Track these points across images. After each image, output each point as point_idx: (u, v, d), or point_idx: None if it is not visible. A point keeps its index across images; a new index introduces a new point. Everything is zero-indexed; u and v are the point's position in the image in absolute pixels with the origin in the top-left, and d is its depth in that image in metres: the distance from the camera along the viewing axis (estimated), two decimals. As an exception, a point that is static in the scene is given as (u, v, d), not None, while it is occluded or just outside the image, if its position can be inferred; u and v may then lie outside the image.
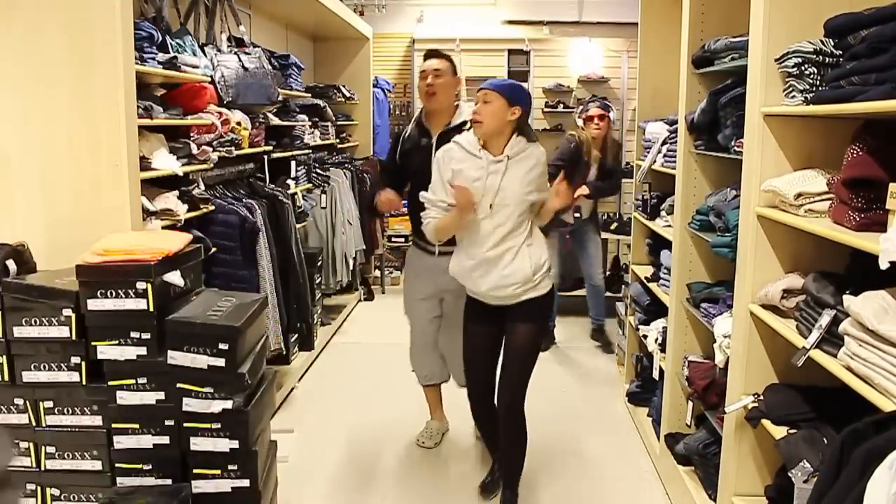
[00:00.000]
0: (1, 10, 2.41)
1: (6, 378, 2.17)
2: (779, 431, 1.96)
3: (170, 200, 2.83)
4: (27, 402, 2.19)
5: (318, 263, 4.84)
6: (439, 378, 3.45)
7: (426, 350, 3.38)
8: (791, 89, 1.95)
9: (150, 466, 2.19)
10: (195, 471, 2.20)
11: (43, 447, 2.21)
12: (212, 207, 3.23)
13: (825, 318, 1.75)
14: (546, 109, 6.88)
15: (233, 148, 3.36)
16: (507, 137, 2.62)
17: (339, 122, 5.97)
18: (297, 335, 4.15)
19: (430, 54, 3.21)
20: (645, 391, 3.72)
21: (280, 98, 3.95)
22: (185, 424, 2.17)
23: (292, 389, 4.14)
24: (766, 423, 2.03)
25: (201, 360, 2.13)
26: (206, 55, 3.37)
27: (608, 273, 6.00)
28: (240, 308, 2.28)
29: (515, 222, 2.60)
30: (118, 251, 2.16)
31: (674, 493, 2.95)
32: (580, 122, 4.79)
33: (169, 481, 2.20)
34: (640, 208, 3.76)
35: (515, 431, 2.76)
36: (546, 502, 3.01)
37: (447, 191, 2.63)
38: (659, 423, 3.23)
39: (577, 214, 4.71)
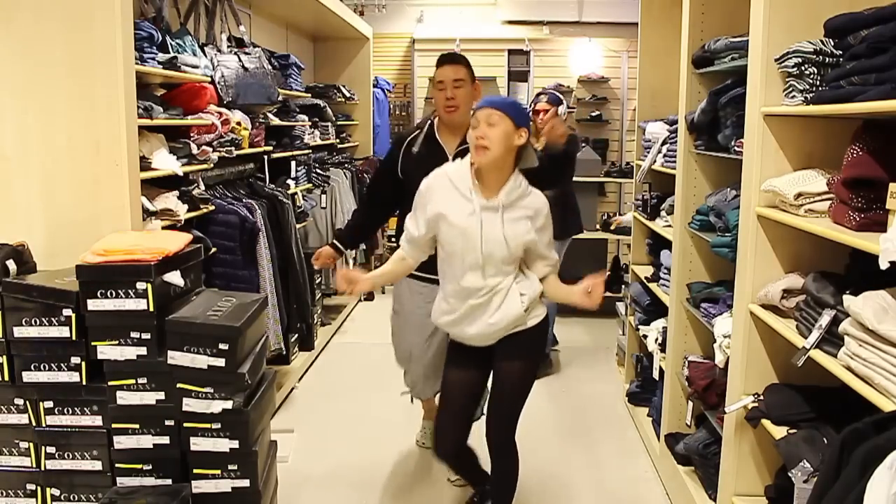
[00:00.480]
0: (1, 9, 2.41)
1: (6, 378, 2.17)
2: (779, 431, 1.96)
3: (170, 200, 2.83)
4: (27, 402, 2.19)
5: (318, 263, 4.84)
6: None
7: (428, 372, 3.07)
8: (791, 89, 1.95)
9: (150, 466, 2.19)
10: (195, 471, 2.20)
11: (43, 447, 2.21)
12: (212, 207, 3.23)
13: (825, 318, 1.75)
14: (546, 109, 6.88)
15: (233, 148, 3.36)
16: (507, 172, 2.26)
17: (339, 122, 5.97)
18: (297, 335, 4.15)
19: (445, 60, 2.86)
20: (645, 391, 3.72)
21: (280, 98, 3.95)
22: (185, 424, 2.17)
23: (292, 389, 4.14)
24: (766, 423, 2.03)
25: (201, 360, 2.13)
26: (206, 55, 3.37)
27: (608, 273, 6.00)
28: (240, 308, 2.28)
29: (507, 270, 2.30)
30: (118, 251, 2.16)
31: (674, 493, 2.95)
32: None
33: (169, 481, 2.20)
34: (640, 208, 3.76)
35: (508, 466, 2.49)
36: (545, 502, 3.01)
37: (425, 226, 2.32)
38: (659, 423, 3.23)
39: None
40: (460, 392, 2.44)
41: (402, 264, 2.44)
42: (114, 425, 2.18)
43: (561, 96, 4.49)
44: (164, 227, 2.73)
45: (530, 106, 4.49)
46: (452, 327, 2.38)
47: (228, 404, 2.14)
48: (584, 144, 6.57)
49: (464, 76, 2.81)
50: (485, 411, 2.54)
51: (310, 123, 4.95)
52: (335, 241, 3.15)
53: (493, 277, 2.27)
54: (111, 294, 2.12)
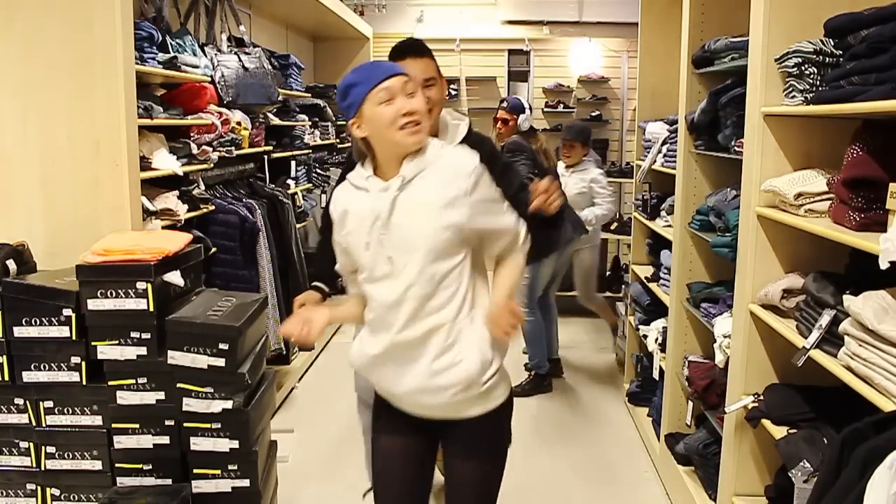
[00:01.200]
0: (1, 9, 2.41)
1: (6, 378, 2.17)
2: (779, 431, 1.96)
3: (170, 200, 2.84)
4: (27, 402, 2.19)
5: (319, 263, 4.84)
6: None
7: None
8: (791, 89, 1.95)
9: (150, 466, 2.19)
10: (195, 471, 2.20)
11: (43, 447, 2.21)
12: (212, 207, 3.23)
13: (825, 318, 1.75)
14: (546, 109, 6.89)
15: (233, 148, 3.36)
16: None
17: (339, 122, 5.97)
18: (297, 335, 4.14)
19: (403, 50, 2.01)
20: (645, 391, 3.73)
21: (280, 98, 3.95)
22: (185, 424, 2.17)
23: (292, 389, 4.14)
24: (766, 423, 2.03)
25: (201, 360, 2.13)
26: (206, 55, 3.38)
27: (608, 273, 5.99)
28: (240, 308, 2.28)
29: (439, 279, 1.60)
30: (118, 251, 2.16)
31: (674, 493, 2.95)
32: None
33: (169, 481, 2.20)
34: (640, 208, 3.76)
35: None
36: (545, 502, 3.01)
37: (343, 255, 1.75)
38: (659, 423, 3.23)
39: None
40: (402, 468, 1.76)
41: (359, 303, 1.78)
42: (114, 425, 2.18)
43: (524, 102, 4.19)
44: (164, 227, 2.73)
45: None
46: (374, 372, 1.70)
47: (228, 404, 2.14)
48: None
49: (434, 73, 2.04)
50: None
51: (310, 123, 4.95)
52: (317, 284, 2.24)
53: (416, 288, 1.60)
54: (111, 294, 2.12)
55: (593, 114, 6.89)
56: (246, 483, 2.21)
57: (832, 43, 1.86)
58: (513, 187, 2.10)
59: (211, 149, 3.19)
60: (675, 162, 3.08)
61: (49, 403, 2.19)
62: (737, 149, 2.42)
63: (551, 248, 4.10)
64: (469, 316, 1.64)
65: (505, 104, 4.17)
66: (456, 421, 1.68)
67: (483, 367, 1.62)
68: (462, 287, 1.63)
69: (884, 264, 1.41)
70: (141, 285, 2.12)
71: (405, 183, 1.62)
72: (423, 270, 1.59)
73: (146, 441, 2.18)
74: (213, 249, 3.15)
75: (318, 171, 5.07)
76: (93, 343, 2.15)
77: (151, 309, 2.13)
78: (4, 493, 2.24)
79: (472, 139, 2.16)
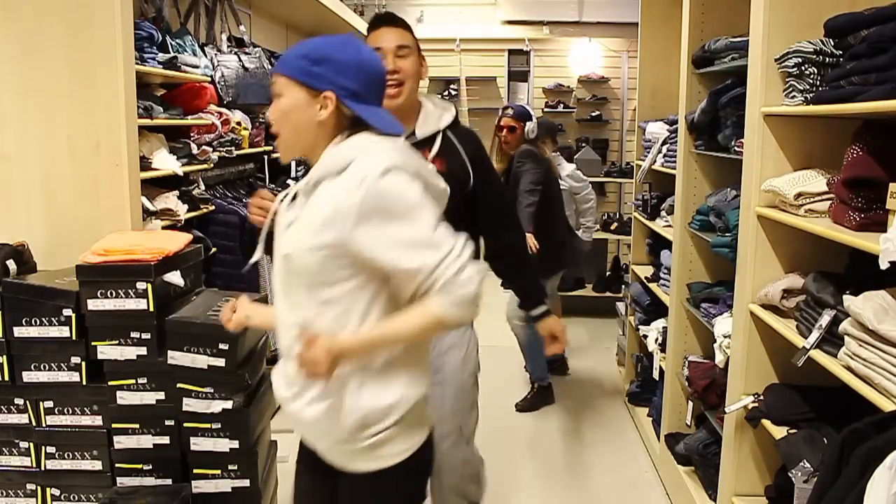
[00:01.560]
0: (1, 9, 2.41)
1: (6, 378, 2.17)
2: (779, 431, 1.96)
3: (170, 200, 2.84)
4: (27, 402, 2.19)
5: (319, 263, 4.83)
6: None
7: None
8: (791, 89, 1.95)
9: (150, 466, 2.19)
10: (195, 471, 2.20)
11: (43, 447, 2.20)
12: (212, 207, 3.24)
13: (825, 318, 1.75)
14: (546, 109, 6.89)
15: (233, 148, 3.37)
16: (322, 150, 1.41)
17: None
18: (297, 335, 4.15)
19: (382, 20, 2.04)
20: (645, 391, 3.73)
21: (280, 98, 3.95)
22: (185, 424, 2.17)
23: (292, 389, 4.14)
24: (766, 423, 2.03)
25: (201, 360, 2.12)
26: (206, 55, 3.38)
27: (608, 273, 5.99)
28: (240, 308, 2.28)
29: (314, 308, 1.38)
30: (118, 251, 2.16)
31: (674, 493, 2.95)
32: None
33: (169, 481, 2.19)
34: (640, 208, 3.76)
35: None
36: (545, 502, 3.01)
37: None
38: (659, 423, 3.23)
39: None
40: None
41: None
42: (114, 425, 2.18)
43: (531, 111, 3.96)
44: (164, 227, 2.74)
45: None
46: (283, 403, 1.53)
47: (228, 404, 2.14)
48: (583, 144, 6.59)
49: (410, 43, 2.02)
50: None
51: (310, 123, 4.95)
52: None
53: (295, 314, 1.41)
54: (111, 294, 2.12)
55: (593, 114, 6.90)
56: (246, 483, 2.21)
57: (832, 43, 1.86)
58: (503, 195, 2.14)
59: (211, 149, 3.19)
60: (675, 162, 3.08)
61: (49, 403, 2.18)
62: (737, 149, 2.42)
63: (560, 265, 4.12)
64: (362, 360, 1.38)
65: (510, 111, 3.90)
66: (345, 471, 1.46)
67: (363, 423, 1.38)
68: (351, 323, 1.36)
69: (884, 264, 1.41)
70: (141, 285, 2.12)
71: (314, 188, 1.37)
72: (294, 296, 1.39)
73: (146, 441, 2.18)
74: (213, 249, 3.16)
75: (318, 171, 5.07)
76: (93, 343, 2.14)
77: (151, 309, 2.13)
78: (4, 493, 2.23)
79: (458, 130, 2.11)
